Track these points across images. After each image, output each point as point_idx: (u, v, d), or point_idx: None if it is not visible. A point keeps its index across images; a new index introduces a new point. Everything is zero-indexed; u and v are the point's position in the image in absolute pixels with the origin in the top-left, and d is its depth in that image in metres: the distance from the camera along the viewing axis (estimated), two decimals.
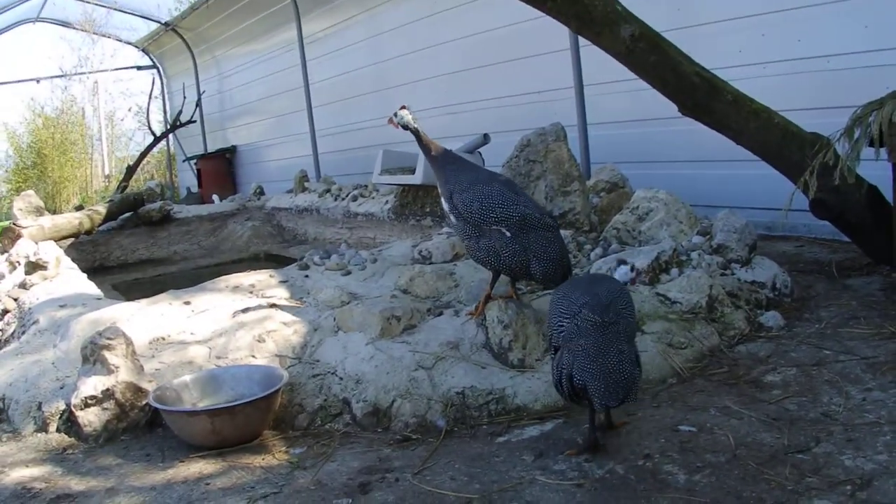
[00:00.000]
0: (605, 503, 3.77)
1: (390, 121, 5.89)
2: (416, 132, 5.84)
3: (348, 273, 7.01)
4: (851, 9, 8.04)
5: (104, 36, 28.21)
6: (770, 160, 6.91)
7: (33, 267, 9.02)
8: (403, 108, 5.83)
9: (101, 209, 15.10)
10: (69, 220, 14.04)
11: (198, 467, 4.71)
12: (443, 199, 5.71)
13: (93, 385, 5.25)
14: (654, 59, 6.64)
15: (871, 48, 7.86)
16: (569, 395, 4.36)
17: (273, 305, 6.36)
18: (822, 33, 8.32)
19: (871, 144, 6.04)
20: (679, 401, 4.85)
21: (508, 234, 5.32)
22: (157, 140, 24.36)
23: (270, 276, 7.08)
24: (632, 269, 5.78)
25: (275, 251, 15.19)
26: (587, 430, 4.51)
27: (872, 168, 6.31)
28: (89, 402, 5.24)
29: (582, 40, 9.19)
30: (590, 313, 4.33)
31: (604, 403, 4.22)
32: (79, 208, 16.65)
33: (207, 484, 4.47)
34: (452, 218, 5.62)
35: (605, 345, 4.25)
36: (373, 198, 13.38)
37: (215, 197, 19.91)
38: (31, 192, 14.51)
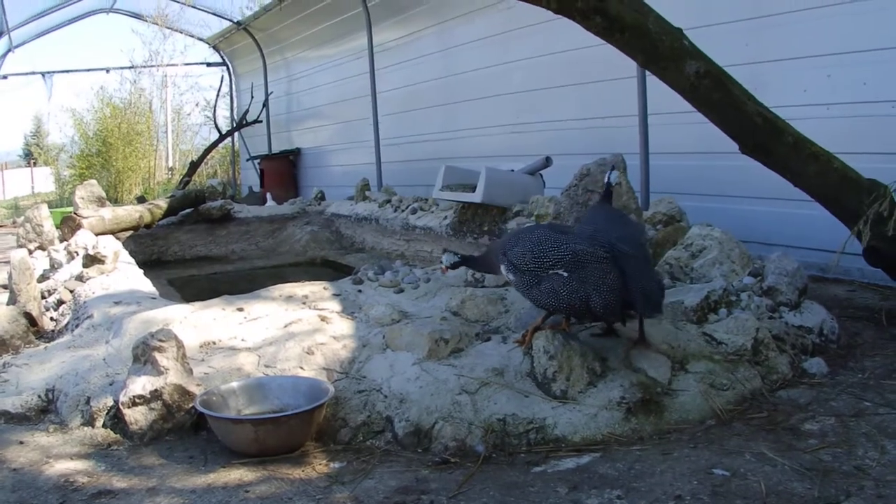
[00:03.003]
0: None
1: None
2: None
3: (401, 291, 7.07)
4: None
5: (176, 31, 28.53)
6: (827, 204, 6.90)
7: (91, 260, 9.13)
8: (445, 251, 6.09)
9: (163, 203, 15.25)
10: (130, 212, 14.18)
11: (238, 474, 4.78)
12: (503, 271, 5.73)
13: (142, 385, 5.34)
14: (717, 97, 6.65)
15: None
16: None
17: (324, 319, 6.42)
18: (889, 78, 8.27)
19: None
20: (716, 443, 4.86)
21: (565, 273, 5.36)
22: (222, 137, 24.54)
23: (324, 288, 7.16)
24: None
25: (332, 257, 15.23)
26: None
27: None
28: (137, 401, 5.32)
29: None
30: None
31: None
32: (140, 200, 16.85)
33: (247, 491, 4.53)
34: (511, 276, 5.66)
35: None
36: (432, 212, 13.39)
37: (269, 196, 20.06)
38: (93, 181, 14.62)
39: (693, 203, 9.47)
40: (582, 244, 5.41)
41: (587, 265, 5.36)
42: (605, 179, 6.13)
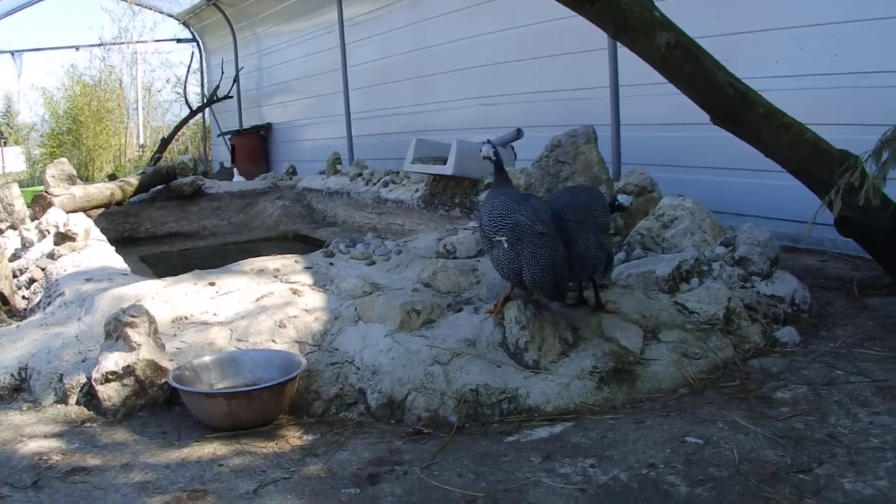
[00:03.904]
0: None
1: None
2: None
3: (372, 263, 7.05)
4: (890, 28, 8.01)
5: (145, 7, 28.43)
6: (798, 175, 6.91)
7: (62, 238, 9.10)
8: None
9: (134, 181, 15.18)
10: (101, 190, 14.13)
11: (212, 448, 4.77)
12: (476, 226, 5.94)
13: (114, 361, 5.32)
14: (688, 68, 6.64)
15: None
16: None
17: (296, 292, 6.41)
18: (860, 50, 8.30)
19: None
20: (689, 412, 4.88)
21: (506, 243, 5.43)
22: (193, 113, 24.38)
23: (296, 261, 7.14)
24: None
25: (304, 232, 15.24)
26: (578, 290, 6.04)
27: None
28: (110, 377, 5.31)
29: None
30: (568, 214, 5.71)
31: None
32: (111, 177, 16.77)
33: (220, 465, 4.53)
34: (479, 234, 5.91)
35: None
36: (403, 185, 13.41)
37: (236, 172, 20.07)
38: (64, 159, 14.52)
39: (664, 174, 9.47)
40: (524, 216, 5.45)
41: (524, 238, 5.41)
42: (615, 197, 6.38)
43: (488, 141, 6.18)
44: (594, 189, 6.24)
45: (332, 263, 7.12)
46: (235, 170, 20.55)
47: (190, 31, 27.58)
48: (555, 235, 5.46)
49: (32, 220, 11.38)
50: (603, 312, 5.86)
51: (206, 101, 24.69)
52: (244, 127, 23.48)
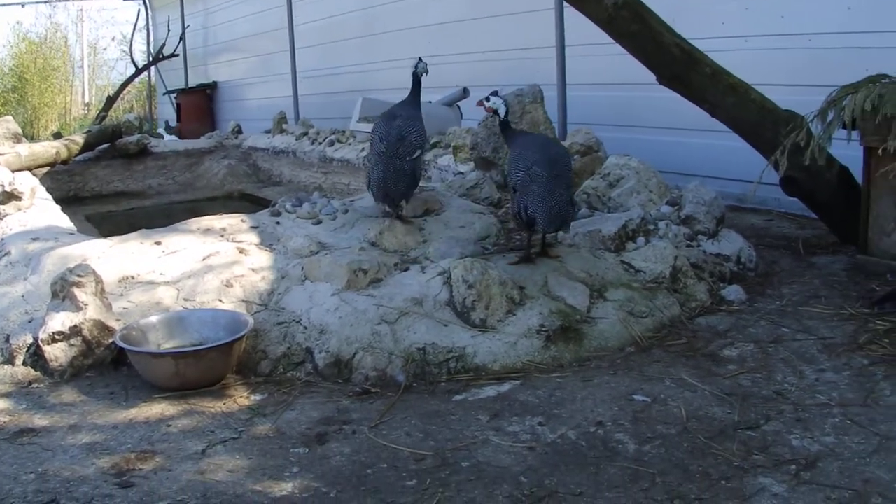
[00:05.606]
0: (555, 468, 3.84)
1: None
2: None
3: (319, 222, 7.01)
4: None
5: None
6: (744, 135, 6.96)
7: (8, 196, 9.00)
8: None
9: (79, 139, 15.02)
10: (46, 148, 13.98)
11: (160, 408, 4.76)
12: None
13: (61, 321, 5.28)
14: (635, 28, 6.67)
15: (853, 30, 7.87)
16: (525, 223, 5.82)
17: (242, 251, 6.38)
18: (805, 11, 8.33)
19: (844, 127, 6.10)
20: (636, 370, 4.93)
21: (369, 155, 6.37)
22: (138, 71, 24.20)
23: (242, 220, 7.08)
24: None
25: (249, 191, 15.18)
26: (525, 249, 6.13)
27: (845, 149, 6.38)
28: (57, 337, 5.27)
29: None
30: (539, 168, 5.75)
31: (545, 229, 5.85)
32: (57, 136, 16.58)
33: (168, 426, 4.52)
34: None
35: (551, 189, 5.70)
36: (349, 144, 13.38)
37: (163, 133, 20.03)
38: (9, 117, 14.38)
39: (611, 134, 9.50)
40: (378, 134, 6.42)
41: (373, 155, 6.37)
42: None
43: (420, 59, 6.41)
44: (559, 143, 6.38)
45: (278, 223, 7.07)
46: (162, 130, 20.49)
47: None
48: (391, 156, 6.29)
49: None
50: (546, 257, 6.04)
51: (151, 59, 24.49)
52: (190, 85, 23.28)
